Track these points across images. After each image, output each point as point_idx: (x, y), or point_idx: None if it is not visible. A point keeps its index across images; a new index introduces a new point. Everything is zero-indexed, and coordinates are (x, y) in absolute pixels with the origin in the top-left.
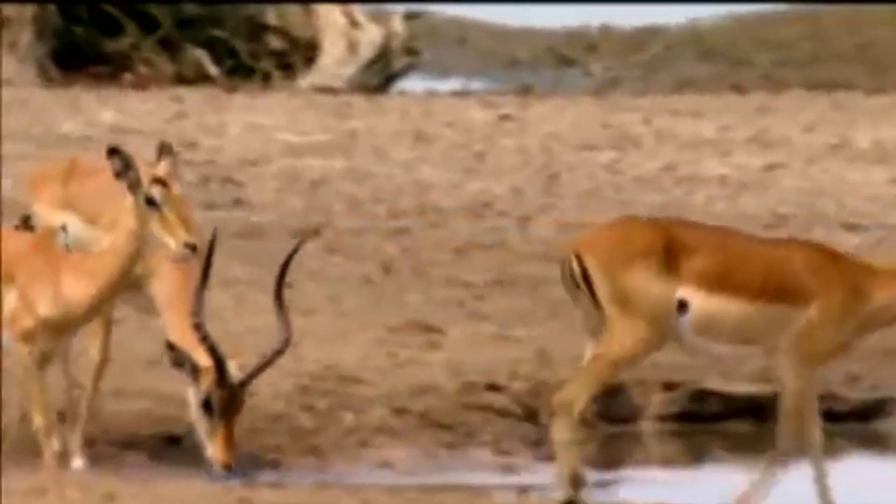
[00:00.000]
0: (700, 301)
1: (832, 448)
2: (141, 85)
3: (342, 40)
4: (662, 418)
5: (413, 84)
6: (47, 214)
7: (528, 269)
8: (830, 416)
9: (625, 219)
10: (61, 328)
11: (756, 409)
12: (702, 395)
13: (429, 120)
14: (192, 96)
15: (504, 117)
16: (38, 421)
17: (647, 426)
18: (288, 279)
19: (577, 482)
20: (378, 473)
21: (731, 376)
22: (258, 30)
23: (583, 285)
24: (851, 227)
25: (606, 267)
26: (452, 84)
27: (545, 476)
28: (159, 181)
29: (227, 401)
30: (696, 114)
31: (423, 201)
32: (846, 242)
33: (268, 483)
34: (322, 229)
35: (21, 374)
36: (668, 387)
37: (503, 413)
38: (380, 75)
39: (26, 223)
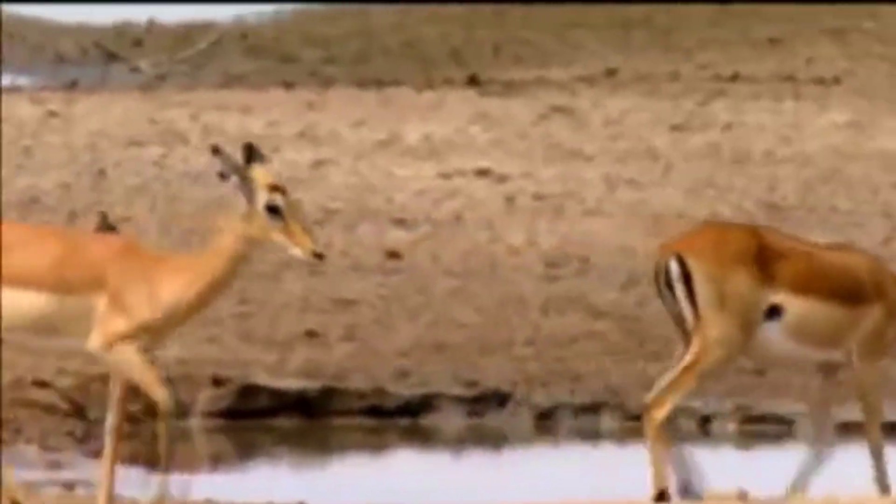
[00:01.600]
0: (796, 305)
1: (381, 443)
2: None
3: None
4: (210, 414)
5: None
6: None
7: None
8: (380, 412)
9: (716, 223)
10: (157, 332)
11: (304, 405)
12: (250, 391)
13: None
14: None
15: (51, 113)
16: (162, 405)
17: (195, 422)
18: None
19: (687, 486)
20: None
21: (278, 372)
22: None
23: (681, 287)
24: (400, 223)
25: (710, 269)
26: None
27: (91, 472)
28: (279, 188)
29: None
30: (245, 109)
31: None
32: (395, 237)
33: None
34: None
35: (132, 374)
36: (217, 382)
37: (50, 409)
38: None
39: (105, 222)
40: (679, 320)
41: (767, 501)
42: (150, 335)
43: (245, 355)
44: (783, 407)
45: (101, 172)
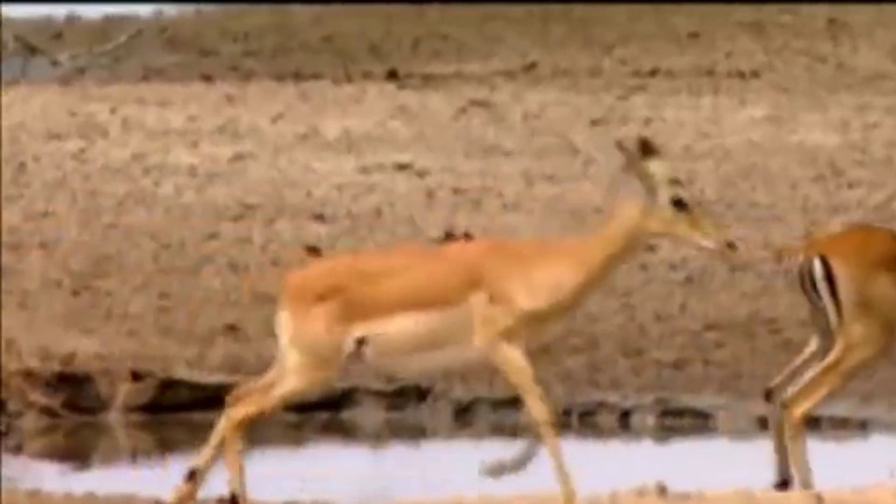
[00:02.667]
0: None
1: (302, 437)
2: None
3: None
4: (130, 409)
5: None
6: None
7: None
8: (300, 406)
9: (863, 225)
10: (541, 322)
11: (223, 399)
12: (170, 385)
13: None
14: None
15: None
16: (540, 414)
17: (115, 417)
18: None
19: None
20: None
21: (198, 366)
22: None
23: (825, 287)
24: (319, 217)
25: (853, 272)
26: None
27: (9, 468)
28: (679, 182)
29: None
30: (164, 103)
31: None
32: (314, 232)
33: None
34: None
35: (513, 376)
36: (136, 377)
37: None
38: None
39: (451, 235)
40: (819, 318)
41: (685, 494)
42: (535, 327)
43: (165, 350)
44: (702, 401)
45: (22, 166)
